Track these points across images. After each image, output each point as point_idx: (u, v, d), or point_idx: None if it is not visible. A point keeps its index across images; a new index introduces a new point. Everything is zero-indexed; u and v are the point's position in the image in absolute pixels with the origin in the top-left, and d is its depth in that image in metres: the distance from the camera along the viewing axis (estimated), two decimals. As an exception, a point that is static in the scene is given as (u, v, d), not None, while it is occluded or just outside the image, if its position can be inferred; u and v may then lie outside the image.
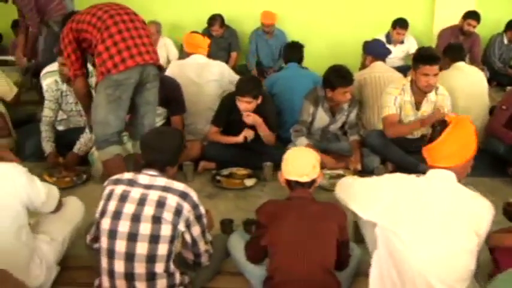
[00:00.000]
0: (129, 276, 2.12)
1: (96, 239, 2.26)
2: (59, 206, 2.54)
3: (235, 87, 3.86)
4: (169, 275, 2.18)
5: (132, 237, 2.11)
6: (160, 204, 2.13)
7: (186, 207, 2.16)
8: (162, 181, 2.20)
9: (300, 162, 2.36)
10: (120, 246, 2.12)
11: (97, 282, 2.25)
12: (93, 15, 3.09)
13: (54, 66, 4.57)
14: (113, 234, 2.13)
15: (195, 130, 4.25)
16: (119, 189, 2.20)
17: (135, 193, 2.17)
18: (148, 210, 2.12)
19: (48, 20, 5.36)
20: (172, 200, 2.14)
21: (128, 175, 2.25)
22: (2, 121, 4.30)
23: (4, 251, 2.18)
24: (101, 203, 2.23)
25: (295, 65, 4.53)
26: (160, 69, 3.36)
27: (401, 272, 1.99)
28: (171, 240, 2.14)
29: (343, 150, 4.07)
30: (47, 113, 4.11)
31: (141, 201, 2.14)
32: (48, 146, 4.02)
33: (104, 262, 2.16)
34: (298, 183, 2.35)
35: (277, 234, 2.23)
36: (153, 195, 2.15)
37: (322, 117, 3.99)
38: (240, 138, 3.88)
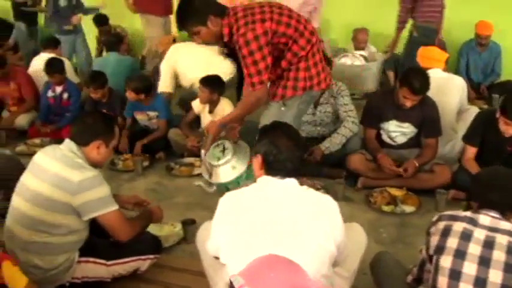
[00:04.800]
0: None
1: (420, 279, 2.06)
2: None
3: (501, 106, 3.28)
4: None
5: (480, 282, 1.84)
6: None
7: None
8: (507, 225, 1.93)
9: None
10: None
11: None
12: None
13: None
14: (455, 275, 1.88)
15: (440, 154, 3.85)
16: (458, 226, 1.95)
17: (479, 234, 1.91)
18: (499, 256, 1.84)
19: None
20: None
21: (466, 213, 2.00)
22: None
23: None
24: (434, 238, 1.99)
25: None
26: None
27: None
28: None
29: None
30: None
31: (488, 244, 1.88)
32: None
33: None
34: None
35: None
36: (502, 239, 1.87)
37: None
38: None
